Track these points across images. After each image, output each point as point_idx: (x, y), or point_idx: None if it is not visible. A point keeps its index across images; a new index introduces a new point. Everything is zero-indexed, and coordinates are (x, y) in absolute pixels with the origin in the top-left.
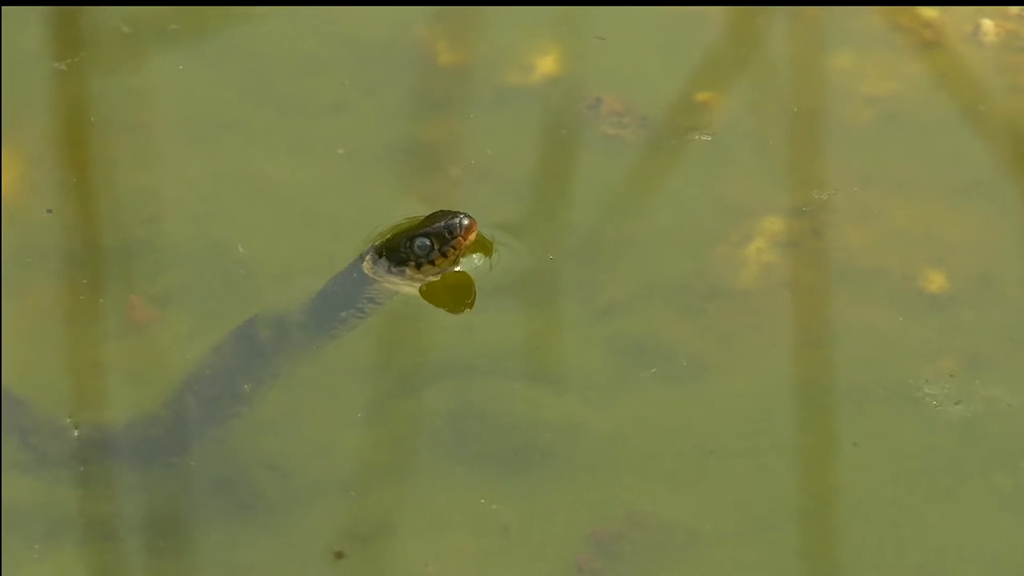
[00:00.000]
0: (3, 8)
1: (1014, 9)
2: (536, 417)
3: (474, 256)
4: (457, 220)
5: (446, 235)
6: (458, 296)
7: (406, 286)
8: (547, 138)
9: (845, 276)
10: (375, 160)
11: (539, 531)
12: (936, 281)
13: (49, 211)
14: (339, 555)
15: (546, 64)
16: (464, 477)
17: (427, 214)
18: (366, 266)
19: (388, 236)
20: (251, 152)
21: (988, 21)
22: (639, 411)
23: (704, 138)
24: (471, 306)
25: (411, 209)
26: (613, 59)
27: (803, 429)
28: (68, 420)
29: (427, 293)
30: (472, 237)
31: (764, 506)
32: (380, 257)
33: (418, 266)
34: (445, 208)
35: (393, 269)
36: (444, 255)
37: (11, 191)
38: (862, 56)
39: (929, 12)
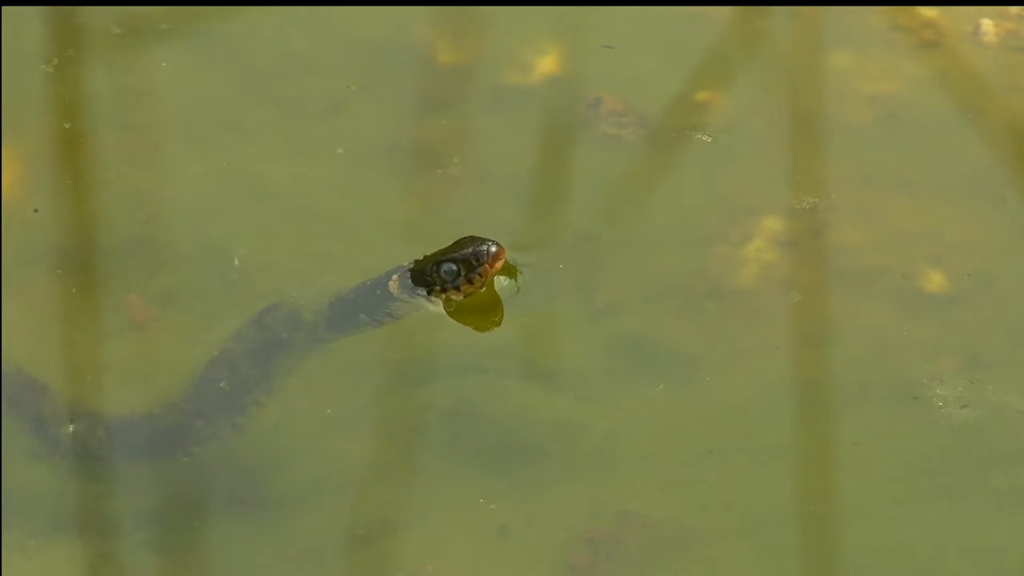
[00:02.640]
0: (3, 8)
1: (1014, 9)
2: (534, 416)
3: (500, 278)
4: (485, 247)
5: (473, 262)
6: (484, 315)
7: (430, 309)
8: (547, 138)
9: (845, 276)
10: (375, 160)
11: (537, 530)
12: (935, 280)
13: (36, 210)
14: None
15: (546, 64)
16: (462, 476)
17: (455, 239)
18: (392, 284)
19: (419, 259)
20: (250, 152)
21: (988, 21)
22: (637, 410)
23: (705, 139)
24: (498, 324)
25: (410, 209)
26: (613, 59)
27: (802, 429)
28: (70, 427)
29: (453, 311)
30: (499, 265)
31: (763, 506)
32: (407, 278)
33: (443, 290)
34: (474, 235)
35: (418, 291)
36: (470, 281)
37: (11, 191)
38: (862, 56)
39: (929, 12)
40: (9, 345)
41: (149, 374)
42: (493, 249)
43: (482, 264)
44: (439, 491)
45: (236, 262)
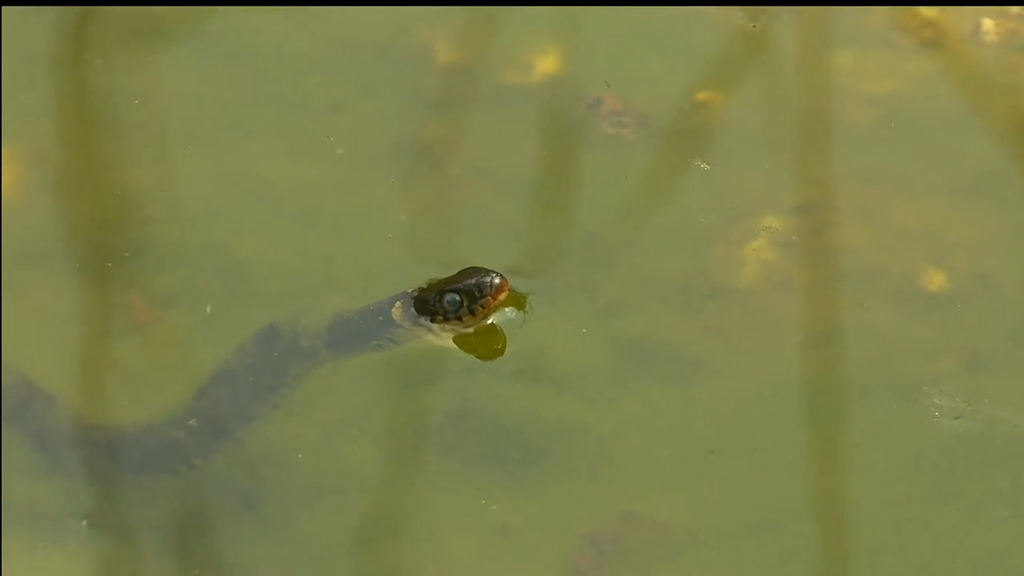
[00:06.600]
0: (3, 8)
1: (1014, 8)
2: (536, 417)
3: (506, 309)
4: (488, 279)
5: (476, 293)
6: (487, 343)
7: (433, 337)
8: (547, 138)
9: (845, 276)
10: (375, 160)
11: (538, 531)
12: (936, 280)
13: None
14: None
15: (546, 64)
16: (464, 477)
17: (459, 269)
18: (395, 311)
19: (423, 286)
20: (251, 152)
21: (988, 20)
22: (638, 411)
23: (704, 167)
24: (501, 352)
25: (411, 210)
26: (613, 59)
27: (803, 429)
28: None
29: (457, 339)
30: (502, 297)
31: (763, 506)
32: (411, 306)
33: (446, 320)
34: (477, 265)
35: (420, 320)
36: (472, 313)
37: (11, 191)
38: (863, 55)
39: (929, 11)
40: (9, 346)
41: (151, 374)
42: (497, 281)
43: (485, 296)
44: (442, 492)
45: (208, 309)
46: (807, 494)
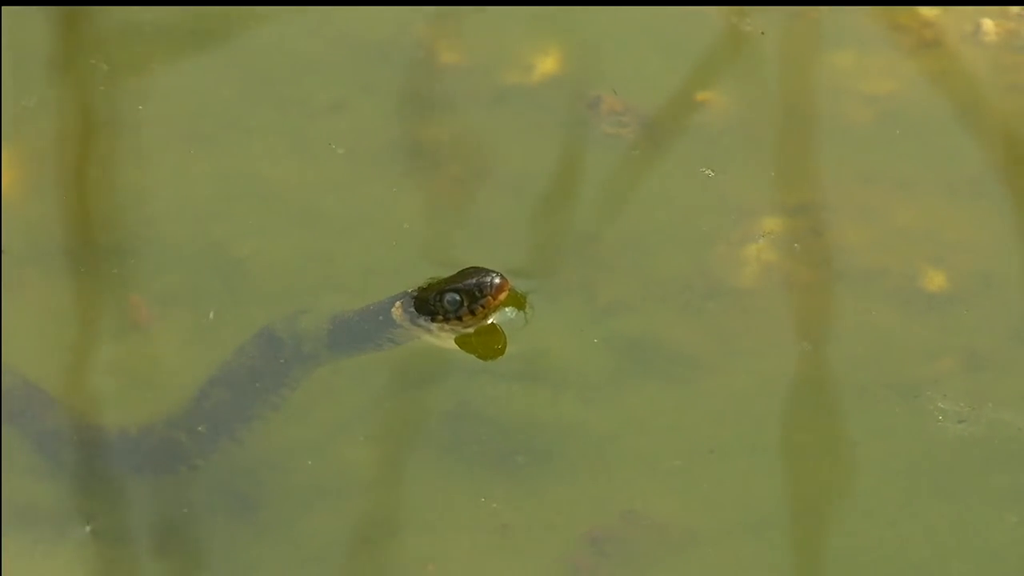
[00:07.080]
0: (3, 8)
1: (1014, 9)
2: (535, 417)
3: (507, 309)
4: (488, 279)
5: (476, 293)
6: (487, 343)
7: (433, 337)
8: (547, 138)
9: (845, 276)
10: (375, 160)
11: (538, 531)
12: (936, 280)
13: None
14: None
15: (546, 64)
16: (463, 477)
17: (459, 269)
18: (395, 311)
19: (423, 286)
20: (251, 152)
21: (988, 21)
22: (638, 411)
23: (708, 173)
24: (502, 352)
25: (411, 210)
26: (613, 59)
27: (803, 428)
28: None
29: (457, 339)
30: (502, 297)
31: (763, 506)
32: (411, 305)
33: (446, 319)
34: (477, 265)
35: (420, 320)
36: (472, 312)
37: (11, 191)
38: (862, 55)
39: (929, 11)
40: (9, 346)
41: (151, 374)
42: (497, 281)
43: (485, 296)
44: (440, 491)
45: (211, 315)
46: (807, 493)
